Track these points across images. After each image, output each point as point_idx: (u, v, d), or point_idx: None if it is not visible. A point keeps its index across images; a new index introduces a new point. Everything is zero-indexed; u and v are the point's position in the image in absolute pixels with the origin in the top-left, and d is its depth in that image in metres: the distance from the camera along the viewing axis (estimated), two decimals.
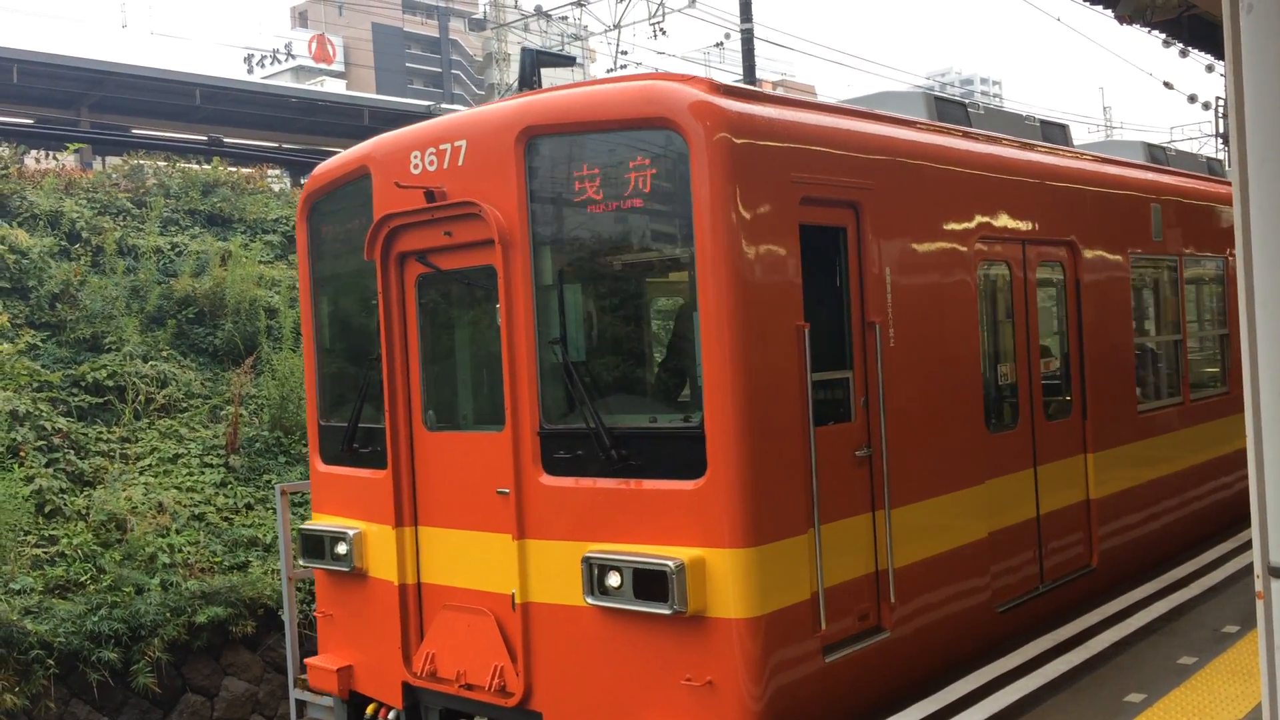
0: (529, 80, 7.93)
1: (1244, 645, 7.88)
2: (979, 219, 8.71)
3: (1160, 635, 8.35)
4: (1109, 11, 9.92)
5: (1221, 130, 45.29)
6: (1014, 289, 9.25)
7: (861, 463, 7.48)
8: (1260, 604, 3.94)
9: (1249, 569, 8.98)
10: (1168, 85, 42.27)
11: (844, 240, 7.53)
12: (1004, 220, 9.07)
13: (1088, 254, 10.00)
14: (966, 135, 9.10)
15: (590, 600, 6.82)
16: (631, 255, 7.26)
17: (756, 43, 28.91)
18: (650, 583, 6.56)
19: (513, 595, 7.27)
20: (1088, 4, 11.01)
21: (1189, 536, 11.51)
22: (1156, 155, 13.40)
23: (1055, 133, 11.34)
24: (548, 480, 7.17)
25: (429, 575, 7.93)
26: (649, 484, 6.82)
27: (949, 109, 10.09)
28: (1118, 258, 10.51)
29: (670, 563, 6.50)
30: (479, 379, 8.01)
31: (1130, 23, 9.75)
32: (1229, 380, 12.61)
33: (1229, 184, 14.04)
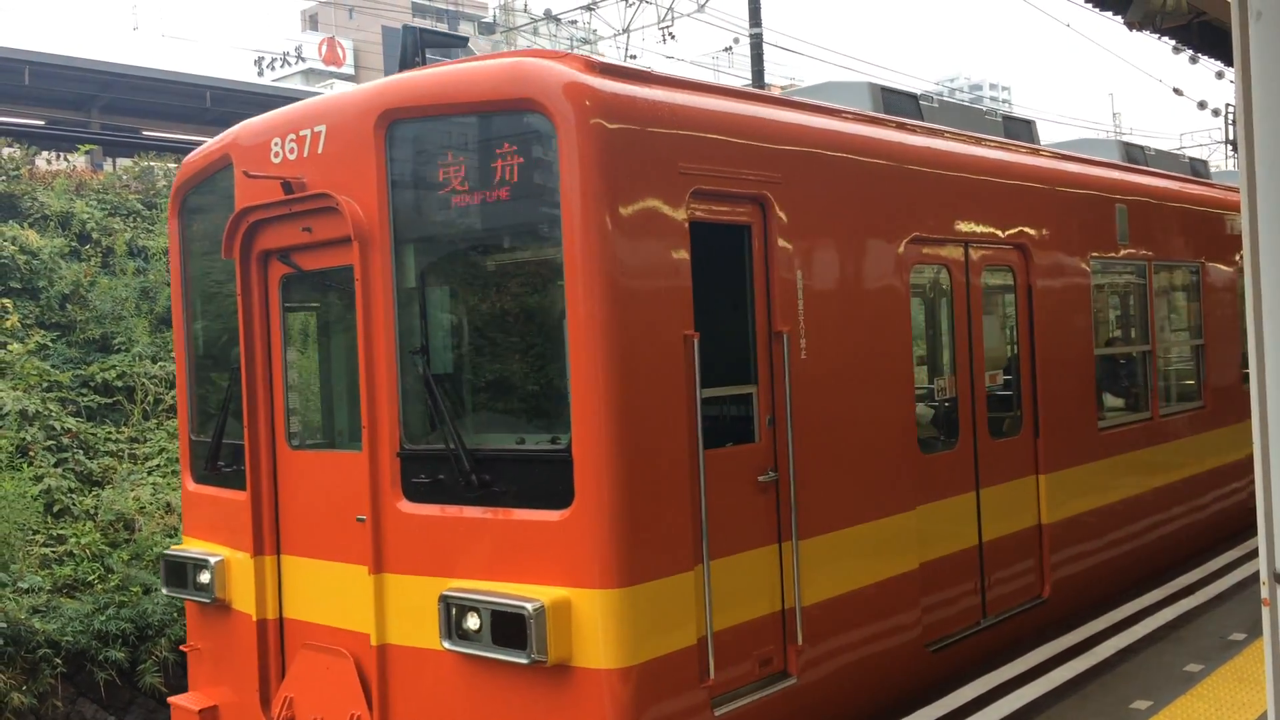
0: (410, 63, 7.14)
1: (1250, 652, 7.82)
2: (911, 217, 7.91)
3: (1166, 642, 8.28)
4: (1119, 17, 9.50)
5: (1231, 137, 44.74)
6: (955, 295, 8.44)
7: (766, 488, 6.68)
8: (1267, 611, 3.99)
9: (1256, 576, 9.11)
10: (1177, 91, 41.87)
11: (748, 239, 6.74)
12: (943, 220, 8.26)
13: (1041, 258, 9.19)
14: (901, 127, 8.30)
15: (447, 645, 6.03)
16: (501, 255, 6.48)
17: (766, 48, 28.30)
18: (509, 627, 5.77)
19: (369, 637, 6.48)
20: (1098, 10, 10.67)
21: (1158, 563, 10.68)
22: (1133, 155, 12.60)
23: (1019, 129, 10.54)
24: (407, 507, 6.38)
25: (292, 609, 7.14)
26: (515, 514, 6.04)
27: (897, 101, 9.31)
28: (1077, 262, 9.69)
29: (528, 605, 5.71)
30: (346, 392, 7.22)
31: (1140, 29, 9.38)
32: (1205, 394, 11.77)
33: (1213, 186, 13.23)
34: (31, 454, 13.87)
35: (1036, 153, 9.77)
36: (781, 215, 6.80)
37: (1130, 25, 9.40)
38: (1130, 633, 8.57)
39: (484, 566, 6.07)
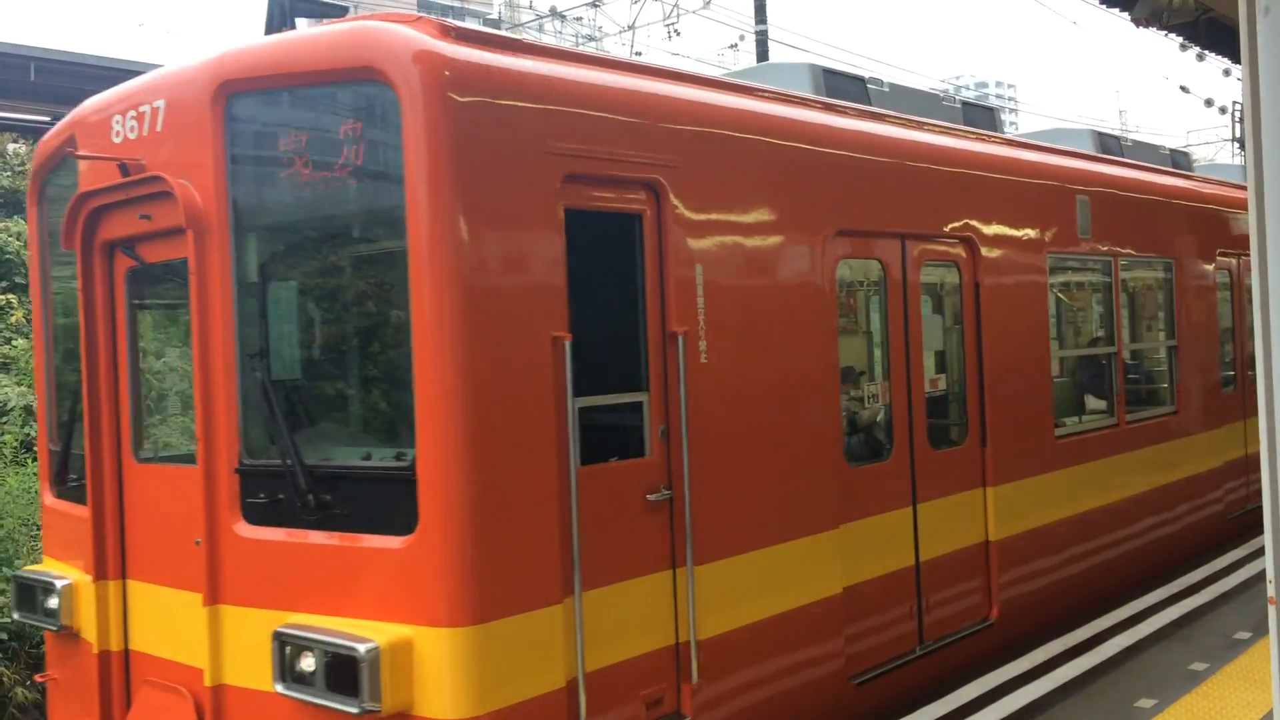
0: (277, 32, 6.42)
1: (1256, 652, 7.79)
2: (837, 208, 7.17)
3: (1171, 641, 8.26)
4: (1125, 14, 9.19)
5: (1238, 135, 44.34)
6: (890, 292, 7.70)
7: (657, 508, 5.96)
8: (1273, 610, 3.99)
9: (1261, 575, 8.89)
10: (1184, 89, 41.56)
11: (639, 230, 6.01)
12: (876, 211, 7.53)
13: (990, 252, 8.45)
14: (830, 109, 7.56)
15: (280, 689, 5.31)
16: (347, 246, 5.76)
17: (771, 45, 27.81)
18: (342, 670, 5.05)
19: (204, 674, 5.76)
20: (1105, 7, 10.34)
21: (1124, 579, 9.95)
22: (1107, 145, 11.86)
23: (980, 116, 9.80)
24: (246, 531, 5.65)
25: (136, 641, 6.41)
26: (359, 540, 5.32)
27: (841, 83, 8.58)
28: (1031, 257, 8.94)
29: (360, 646, 4.98)
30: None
31: (1147, 25, 9.18)
32: (1178, 398, 11.01)
33: (1191, 178, 12.48)
34: (36, 449, 13.43)
35: (987, 140, 9.02)
36: (678, 203, 6.08)
37: (1137, 22, 9.15)
38: (1135, 631, 8.52)
39: (326, 599, 5.35)
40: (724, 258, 6.36)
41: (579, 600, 5.43)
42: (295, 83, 5.54)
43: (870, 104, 8.57)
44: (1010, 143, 9.35)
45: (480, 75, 5.26)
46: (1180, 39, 11.59)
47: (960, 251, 8.27)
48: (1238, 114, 41.04)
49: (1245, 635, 8.28)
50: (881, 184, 7.60)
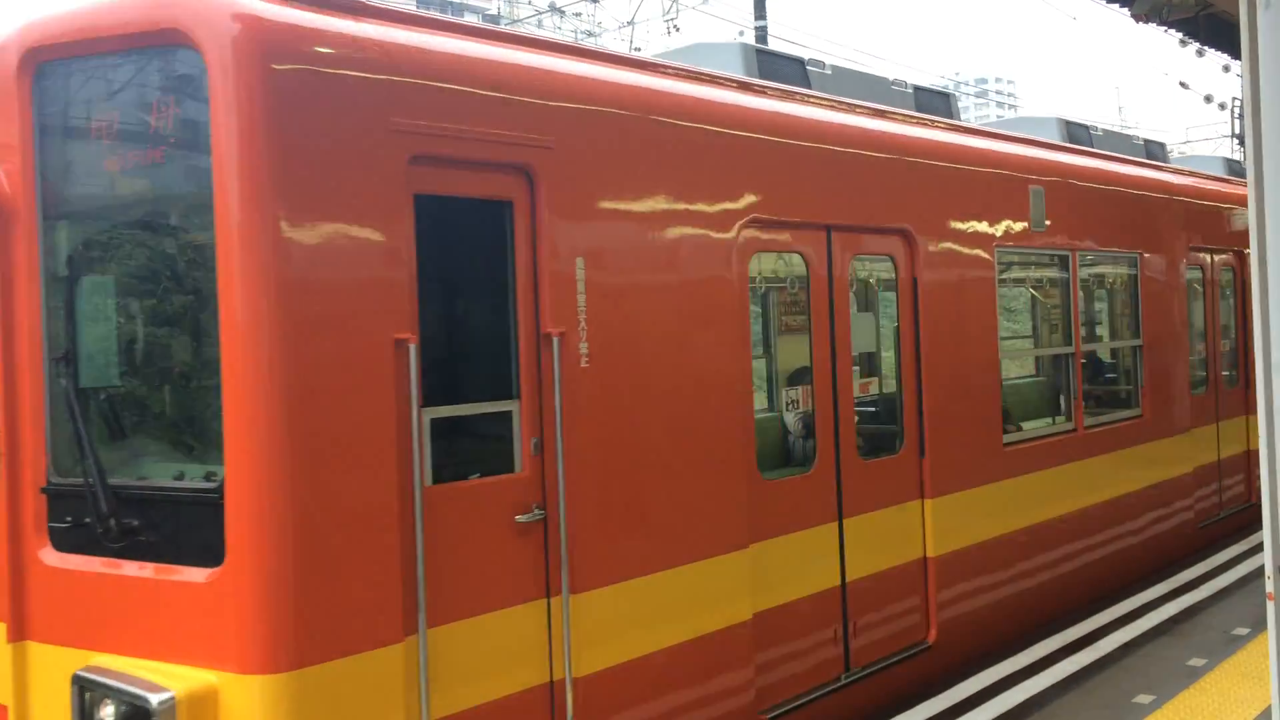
0: None
1: (1254, 647, 7.78)
2: (750, 196, 6.52)
3: (1170, 637, 8.25)
4: (1125, 10, 9.10)
5: (1238, 131, 43.95)
6: (814, 289, 7.04)
7: (529, 530, 5.30)
8: (1271, 606, 4.05)
9: (1260, 571, 8.99)
10: (1183, 85, 41.19)
11: (509, 220, 5.35)
12: (798, 200, 6.88)
13: (931, 245, 7.79)
14: (744, 88, 6.90)
15: None
16: (159, 236, 5.09)
17: (771, 40, 27.43)
18: None
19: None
20: (1104, 2, 10.47)
21: (1081, 594, 9.31)
22: (1075, 134, 11.20)
23: (935, 102, 9.15)
24: (52, 558, 5.00)
25: None
26: (168, 571, 4.67)
27: (776, 64, 7.94)
28: (978, 251, 8.29)
29: (154, 697, 4.34)
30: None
31: (1146, 21, 9.10)
32: (1144, 401, 10.35)
33: (1162, 168, 11.81)
34: None
35: (930, 125, 8.35)
36: (555, 190, 5.42)
37: (1137, 18, 9.04)
38: (1133, 627, 8.49)
39: (136, 639, 4.70)
40: (612, 251, 5.70)
41: (423, 638, 4.78)
42: (105, 49, 4.87)
43: (810, 87, 7.93)
44: (958, 129, 8.69)
45: (309, 40, 4.61)
46: (1180, 35, 11.20)
47: (896, 244, 7.61)
48: (1237, 110, 41.01)
49: (1244, 631, 8.23)
50: (804, 171, 6.95)
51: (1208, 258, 11.96)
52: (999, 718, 6.82)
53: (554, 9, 40.74)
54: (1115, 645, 8.09)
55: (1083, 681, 7.38)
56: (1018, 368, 11.00)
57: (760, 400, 7.50)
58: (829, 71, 8.44)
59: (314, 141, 4.55)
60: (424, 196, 4.94)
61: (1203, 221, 11.74)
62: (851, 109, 7.67)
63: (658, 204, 5.95)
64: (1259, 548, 10.57)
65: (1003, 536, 8.35)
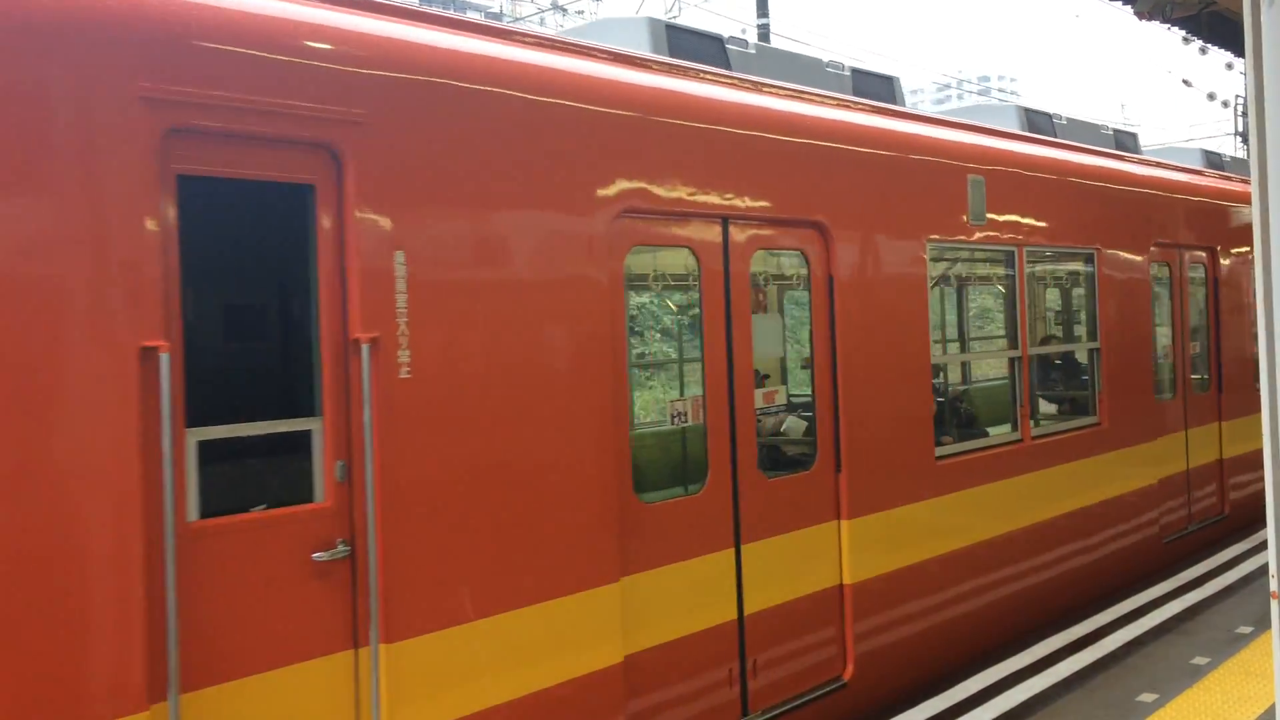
0: None
1: (1258, 646, 7.78)
2: (625, 183, 5.77)
3: (1173, 635, 8.22)
4: (1128, 7, 8.86)
5: (1241, 129, 43.44)
6: (706, 287, 6.30)
7: (330, 570, 4.56)
8: (1275, 604, 4.21)
9: (1264, 570, 9.07)
10: (1186, 83, 40.57)
11: (311, 207, 4.61)
12: (686, 187, 6.13)
13: (849, 239, 7.03)
14: (619, 60, 6.15)
15: None
16: None
17: (774, 38, 26.93)
18: None
19: None
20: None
21: (1028, 619, 8.55)
22: (1036, 122, 10.46)
23: (875, 86, 8.41)
24: None
25: None
26: None
27: (692, 43, 7.22)
28: (907, 245, 7.53)
29: None
30: None
31: (1149, 18, 8.71)
32: (1102, 408, 9.59)
33: (1127, 159, 11.04)
34: None
35: (852, 108, 7.59)
36: (368, 172, 4.68)
37: (1140, 15, 8.79)
38: (1137, 625, 8.48)
39: None
40: (443, 244, 4.96)
41: (175, 706, 4.03)
42: None
43: (730, 67, 7.20)
44: (890, 113, 7.93)
45: None
46: (1183, 32, 10.74)
47: (809, 237, 6.86)
48: (1240, 108, 40.46)
49: (1247, 630, 8.22)
50: (695, 156, 6.20)
51: (1176, 254, 11.19)
52: (1001, 716, 6.77)
53: (556, 7, 40.47)
54: (1118, 644, 8.06)
55: (1086, 680, 7.36)
56: (961, 373, 10.28)
57: (656, 414, 6.75)
58: (752, 51, 7.71)
59: (25, 109, 3.81)
60: (192, 177, 4.21)
61: (1171, 216, 10.98)
62: (759, 89, 6.92)
63: (503, 189, 5.20)
64: (1262, 546, 10.39)
65: (934, 559, 7.60)
